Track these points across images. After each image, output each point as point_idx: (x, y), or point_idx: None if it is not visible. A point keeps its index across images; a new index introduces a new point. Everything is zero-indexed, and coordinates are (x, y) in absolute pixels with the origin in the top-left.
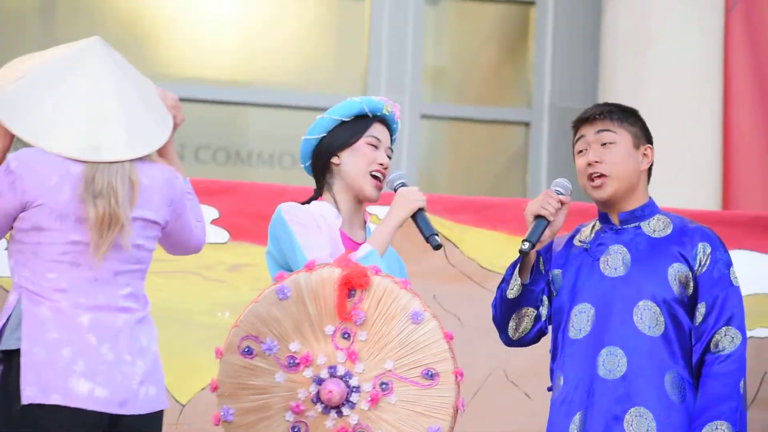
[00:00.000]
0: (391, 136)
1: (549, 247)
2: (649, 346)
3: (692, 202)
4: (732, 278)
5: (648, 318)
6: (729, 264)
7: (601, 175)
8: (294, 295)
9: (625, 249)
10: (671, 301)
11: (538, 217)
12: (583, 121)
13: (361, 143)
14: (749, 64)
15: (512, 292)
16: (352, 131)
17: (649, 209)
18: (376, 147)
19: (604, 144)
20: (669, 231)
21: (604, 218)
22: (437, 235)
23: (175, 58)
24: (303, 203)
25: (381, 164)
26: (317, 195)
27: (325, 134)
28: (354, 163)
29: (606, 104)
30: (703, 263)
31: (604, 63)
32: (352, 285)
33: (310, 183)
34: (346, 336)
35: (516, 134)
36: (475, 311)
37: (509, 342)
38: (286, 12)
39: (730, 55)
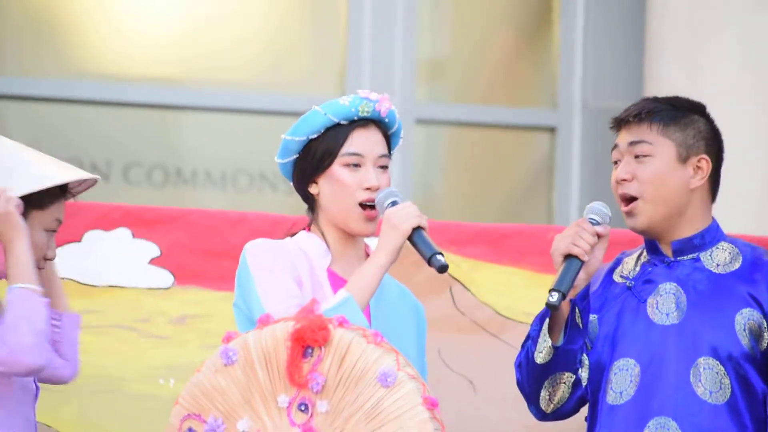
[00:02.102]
0: (388, 137)
1: (586, 292)
2: (710, 416)
3: (762, 226)
4: None
5: (709, 380)
6: None
7: (632, 198)
8: (242, 359)
9: (679, 288)
10: (739, 358)
11: (568, 256)
12: (618, 123)
13: (336, 167)
14: None
15: (541, 356)
16: (324, 152)
17: (710, 235)
18: (358, 165)
19: (638, 156)
20: (737, 265)
21: (652, 247)
22: (441, 254)
23: (98, 51)
24: (291, 235)
25: (368, 188)
26: (310, 223)
27: (296, 156)
28: (333, 193)
29: (650, 101)
30: None
31: (650, 51)
32: (306, 342)
33: (276, 207)
34: (303, 408)
35: (539, 142)
36: (491, 371)
37: (542, 416)
38: None
39: None
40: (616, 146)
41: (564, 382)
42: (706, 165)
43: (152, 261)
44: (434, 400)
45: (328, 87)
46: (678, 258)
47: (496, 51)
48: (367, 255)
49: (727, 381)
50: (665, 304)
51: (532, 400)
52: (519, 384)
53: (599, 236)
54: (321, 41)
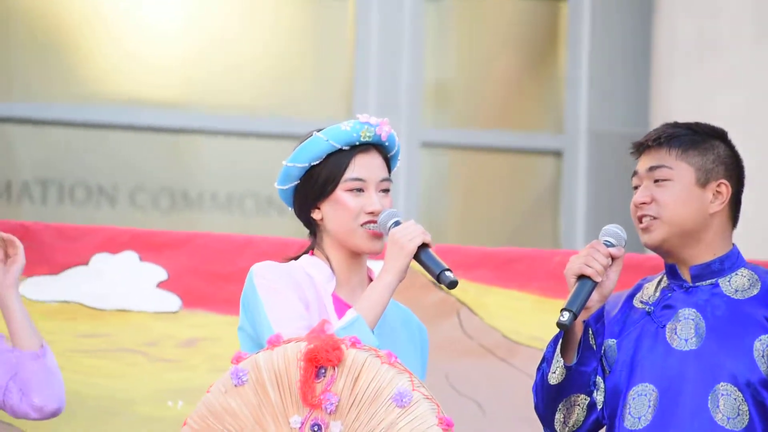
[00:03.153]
0: (388, 161)
1: (600, 314)
2: None
3: (750, 248)
4: None
5: (728, 406)
6: None
7: (652, 217)
8: (253, 379)
9: (698, 314)
10: (757, 385)
11: (582, 277)
12: (637, 148)
13: (339, 193)
14: None
15: (555, 377)
16: (326, 177)
17: (730, 261)
18: (361, 190)
19: (657, 181)
20: (756, 291)
21: (672, 272)
22: (450, 270)
23: (105, 75)
24: (293, 258)
25: (371, 212)
26: (312, 247)
27: (297, 182)
28: (336, 218)
29: (670, 126)
30: None
31: (656, 76)
32: (319, 362)
33: (283, 231)
34: (316, 429)
35: (544, 166)
36: (500, 395)
37: None
38: (251, 19)
39: None
40: (636, 173)
41: (579, 405)
42: (726, 190)
43: (160, 285)
44: (450, 421)
45: (334, 111)
46: (696, 283)
47: (502, 75)
48: (370, 279)
49: (745, 407)
50: (684, 330)
51: (547, 422)
52: (536, 408)
53: (613, 258)
54: (328, 65)
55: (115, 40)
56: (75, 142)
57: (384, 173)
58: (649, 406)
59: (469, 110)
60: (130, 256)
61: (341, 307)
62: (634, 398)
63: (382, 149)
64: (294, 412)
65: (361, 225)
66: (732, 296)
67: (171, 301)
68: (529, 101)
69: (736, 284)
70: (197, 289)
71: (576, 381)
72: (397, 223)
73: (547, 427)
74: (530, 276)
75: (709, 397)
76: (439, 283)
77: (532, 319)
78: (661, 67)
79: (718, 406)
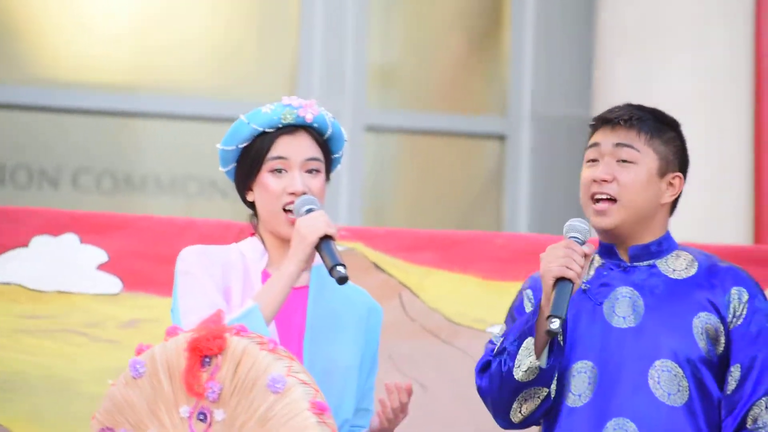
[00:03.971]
0: (325, 143)
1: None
2: (668, 418)
3: (715, 234)
4: None
5: (667, 382)
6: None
7: (609, 199)
8: (149, 371)
9: (636, 292)
10: (697, 361)
11: (561, 279)
12: (603, 122)
13: (263, 174)
14: None
15: (523, 374)
16: (252, 159)
17: (666, 244)
18: (283, 170)
19: (622, 161)
20: (693, 271)
21: (608, 251)
22: (343, 265)
23: (49, 57)
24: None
25: (293, 192)
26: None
27: (234, 165)
28: (262, 200)
29: (636, 108)
30: (738, 314)
31: (599, 59)
32: (202, 351)
33: (226, 213)
34: (202, 417)
35: (488, 150)
36: (443, 376)
37: (509, 425)
38: (194, 1)
39: (762, 49)
40: (596, 145)
41: (537, 396)
42: (679, 183)
43: (100, 267)
44: (323, 405)
45: (278, 94)
46: (634, 263)
47: (447, 59)
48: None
49: (685, 384)
50: (622, 308)
51: (499, 410)
52: (484, 393)
53: (586, 257)
54: (272, 48)
55: (58, 25)
56: (16, 125)
57: (311, 153)
58: (589, 383)
59: (414, 93)
60: (70, 238)
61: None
62: (573, 375)
63: (313, 131)
64: (183, 402)
65: (284, 207)
66: (670, 276)
67: (112, 283)
68: (473, 85)
69: (674, 265)
70: (138, 271)
71: (543, 377)
72: (309, 211)
73: (499, 416)
74: (473, 258)
75: (650, 373)
76: (331, 276)
77: (475, 301)
78: (604, 50)
79: (658, 382)
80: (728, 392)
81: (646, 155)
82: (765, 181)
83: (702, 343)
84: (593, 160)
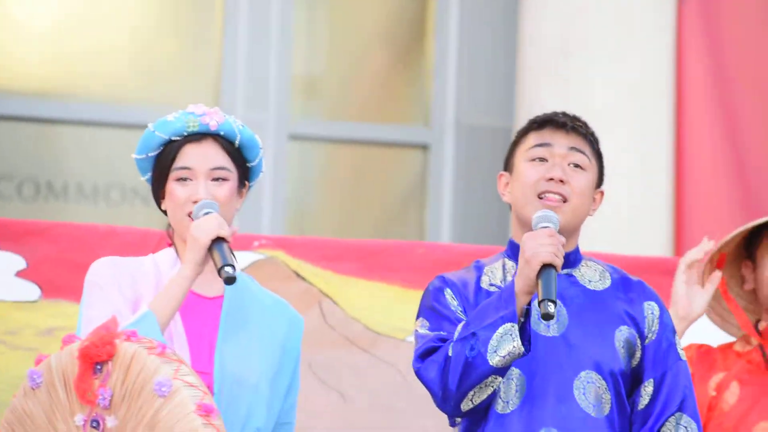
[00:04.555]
0: (238, 151)
1: (459, 291)
2: (592, 429)
3: (636, 246)
4: (679, 350)
5: (592, 393)
6: (674, 331)
7: (562, 197)
8: (45, 380)
9: (558, 301)
10: (618, 374)
11: (546, 266)
12: (553, 125)
13: (170, 183)
14: (707, 70)
15: (500, 359)
16: (160, 168)
17: (577, 253)
18: (188, 179)
19: (574, 165)
20: (608, 283)
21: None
22: (232, 266)
23: None
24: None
25: (196, 201)
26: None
27: (150, 175)
28: (170, 209)
29: (583, 121)
30: (652, 329)
31: (522, 71)
32: (92, 358)
33: (148, 222)
34: (95, 425)
35: (412, 159)
36: (362, 385)
37: (456, 414)
38: (118, 9)
39: (684, 60)
40: (546, 144)
41: (493, 386)
42: (600, 199)
43: (18, 273)
44: (209, 407)
45: (202, 102)
46: None
47: (371, 69)
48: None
49: (607, 396)
50: (536, 310)
51: (452, 397)
52: (432, 379)
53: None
54: (196, 57)
55: None
56: None
57: (218, 162)
58: (517, 391)
59: (338, 103)
60: None
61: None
62: (503, 382)
63: (221, 139)
64: (78, 410)
65: (189, 215)
66: (587, 287)
67: (30, 290)
68: (397, 95)
69: (588, 275)
70: (57, 278)
71: (509, 366)
72: (207, 215)
73: (449, 403)
74: (393, 268)
75: (575, 384)
76: (219, 277)
77: (395, 311)
78: (526, 62)
79: (583, 393)
80: (641, 407)
81: (591, 165)
82: (686, 194)
83: (623, 357)
84: (542, 159)
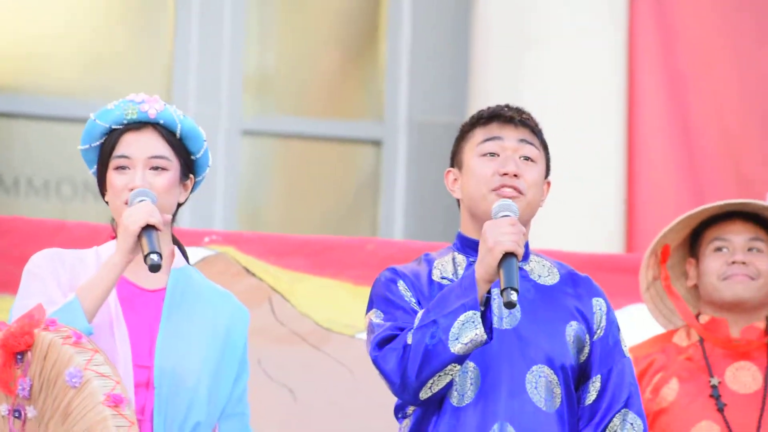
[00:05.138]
0: (178, 141)
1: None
2: (544, 423)
3: (589, 243)
4: (623, 347)
5: (544, 388)
6: (619, 328)
7: (517, 191)
8: None
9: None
10: (568, 369)
11: (508, 255)
12: (501, 119)
13: (110, 172)
14: (660, 67)
15: (462, 347)
16: (101, 158)
17: (526, 249)
18: (127, 167)
19: (525, 158)
20: (557, 278)
21: (475, 248)
22: (158, 253)
23: None
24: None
25: (132, 189)
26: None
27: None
28: (110, 198)
29: (528, 113)
30: (600, 325)
31: (474, 67)
32: (12, 347)
33: (100, 216)
34: (17, 415)
35: (365, 155)
36: (312, 381)
37: (414, 402)
38: (70, 3)
39: (637, 56)
40: (496, 138)
41: (451, 374)
42: (547, 190)
43: None
44: (119, 397)
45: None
46: None
47: (324, 64)
48: (173, 258)
49: (558, 390)
50: (498, 308)
51: (411, 385)
52: (390, 368)
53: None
54: (148, 51)
55: None
56: None
57: (157, 151)
58: (471, 384)
59: (291, 99)
60: None
61: (123, 286)
62: (459, 375)
63: (161, 128)
64: (2, 400)
65: (126, 203)
66: (538, 281)
67: None
68: (350, 91)
69: (537, 270)
70: (6, 273)
71: (469, 353)
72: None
73: (407, 389)
74: (344, 264)
75: (527, 378)
76: (145, 264)
77: (345, 307)
78: (478, 58)
79: (535, 387)
80: (588, 402)
81: (541, 156)
82: (637, 192)
83: (573, 352)
84: (492, 154)
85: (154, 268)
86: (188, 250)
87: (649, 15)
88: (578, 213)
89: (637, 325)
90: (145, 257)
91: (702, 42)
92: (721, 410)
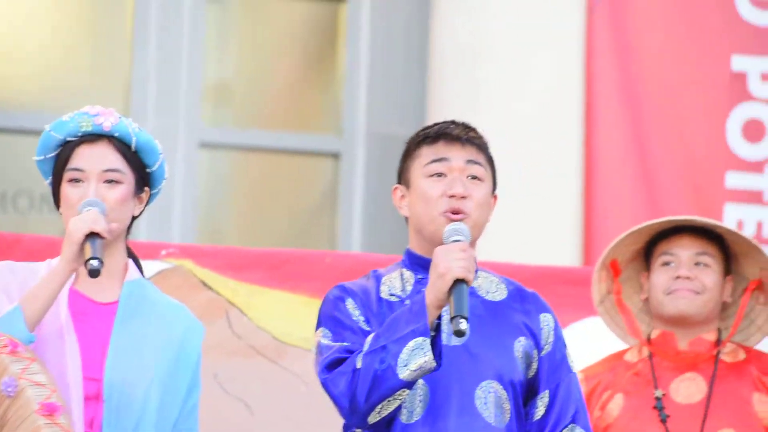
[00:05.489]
0: (133, 153)
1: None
2: None
3: (546, 255)
4: (570, 362)
5: (494, 404)
6: (565, 344)
7: (464, 214)
8: None
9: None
10: (517, 384)
11: (458, 281)
12: (448, 138)
13: (64, 185)
14: (616, 77)
15: (410, 373)
16: (56, 170)
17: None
18: (79, 180)
19: (472, 177)
20: (504, 293)
21: (423, 265)
22: (100, 261)
23: None
24: None
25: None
26: None
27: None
28: (63, 211)
29: (474, 129)
30: (547, 341)
31: (433, 80)
32: None
33: (56, 230)
34: None
35: (323, 168)
36: (269, 395)
37: (362, 425)
38: (28, 14)
39: (594, 67)
40: (443, 159)
41: (400, 399)
42: (494, 204)
43: None
44: (53, 406)
45: (113, 109)
46: None
47: (282, 77)
48: (126, 270)
49: (507, 406)
50: (447, 325)
51: (360, 409)
52: (339, 392)
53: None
54: (106, 63)
55: None
56: None
57: (111, 164)
58: (420, 401)
59: (250, 111)
60: None
61: (77, 300)
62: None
63: (116, 141)
64: None
65: None
66: (485, 297)
67: None
68: (308, 103)
69: (485, 286)
70: None
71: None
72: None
73: (355, 413)
74: (301, 277)
75: (476, 394)
76: (85, 268)
77: (303, 321)
78: (437, 71)
79: (485, 403)
80: (536, 418)
81: (487, 175)
82: (595, 204)
83: (521, 367)
84: (439, 175)
85: (94, 273)
86: (145, 263)
87: (605, 24)
88: (535, 225)
89: (594, 338)
90: (86, 262)
91: (658, 55)
92: (663, 421)
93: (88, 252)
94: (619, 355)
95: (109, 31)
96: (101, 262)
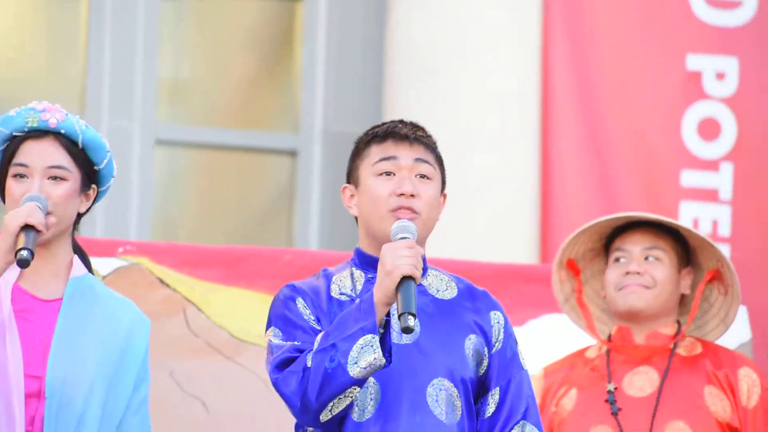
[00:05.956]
0: (80, 150)
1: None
2: None
3: (503, 253)
4: (521, 359)
5: (445, 401)
6: (516, 341)
7: (412, 212)
8: None
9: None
10: (468, 382)
11: (406, 278)
12: (396, 137)
13: (8, 180)
14: (573, 81)
15: (360, 371)
16: (1, 166)
17: (423, 264)
18: (24, 176)
19: (421, 176)
20: (455, 292)
21: (373, 264)
22: (30, 251)
23: None
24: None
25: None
26: None
27: None
28: (7, 207)
29: (422, 128)
30: (498, 338)
31: (390, 79)
32: None
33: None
34: None
35: (280, 165)
36: (225, 393)
37: (315, 424)
38: None
39: (550, 70)
40: (392, 158)
41: (351, 396)
42: (444, 202)
43: None
44: None
45: (67, 107)
46: None
47: (239, 75)
48: (71, 267)
49: (458, 403)
50: (396, 323)
51: (311, 408)
52: (291, 391)
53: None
54: (60, 60)
55: None
56: None
57: (56, 160)
58: (371, 399)
59: (206, 109)
60: None
61: (21, 296)
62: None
63: (63, 138)
64: None
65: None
66: (436, 296)
67: None
68: (265, 101)
69: (435, 284)
70: None
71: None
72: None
73: (307, 411)
74: (259, 275)
75: (427, 392)
76: (15, 259)
77: (260, 318)
78: (394, 70)
79: (436, 400)
80: (487, 415)
81: (436, 173)
82: (552, 204)
83: (472, 365)
84: (388, 173)
85: (22, 263)
86: (102, 260)
87: (560, 28)
88: (492, 223)
89: (551, 335)
90: (16, 253)
91: (614, 54)
92: (615, 414)
93: (20, 243)
94: (581, 353)
95: (63, 31)
96: (31, 252)
